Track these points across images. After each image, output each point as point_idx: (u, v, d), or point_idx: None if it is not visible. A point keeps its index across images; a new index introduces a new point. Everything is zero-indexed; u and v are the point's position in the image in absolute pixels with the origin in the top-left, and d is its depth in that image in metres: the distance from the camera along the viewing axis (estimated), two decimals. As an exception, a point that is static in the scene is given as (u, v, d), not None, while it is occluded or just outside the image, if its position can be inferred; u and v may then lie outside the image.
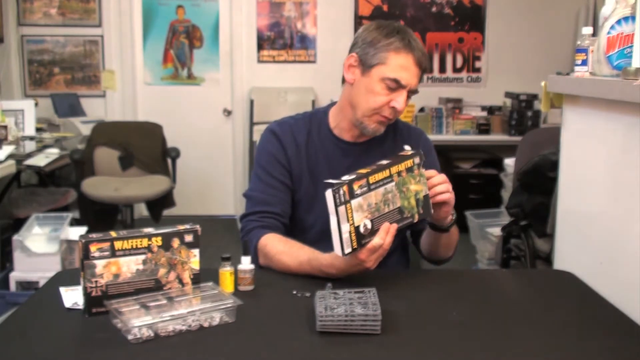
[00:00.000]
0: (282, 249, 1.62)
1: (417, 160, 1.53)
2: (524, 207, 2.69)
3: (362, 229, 1.42)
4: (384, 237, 1.44)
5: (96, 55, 5.24)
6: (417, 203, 1.52)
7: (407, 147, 1.63)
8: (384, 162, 1.49)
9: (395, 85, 1.61)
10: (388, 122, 1.68)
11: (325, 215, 1.56)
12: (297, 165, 1.74)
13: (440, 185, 1.55)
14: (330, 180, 1.40)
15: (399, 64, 1.61)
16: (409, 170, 1.51)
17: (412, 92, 1.65)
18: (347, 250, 1.41)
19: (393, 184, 1.47)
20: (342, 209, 1.38)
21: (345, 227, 1.39)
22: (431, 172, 1.56)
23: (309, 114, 1.81)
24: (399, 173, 1.49)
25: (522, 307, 1.47)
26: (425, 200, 1.54)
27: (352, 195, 1.40)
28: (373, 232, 1.44)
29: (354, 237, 1.41)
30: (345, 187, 1.39)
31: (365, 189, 1.42)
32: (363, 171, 1.45)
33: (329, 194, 1.38)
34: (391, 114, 1.65)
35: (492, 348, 1.25)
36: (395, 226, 1.46)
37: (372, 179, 1.43)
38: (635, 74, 1.45)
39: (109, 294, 1.36)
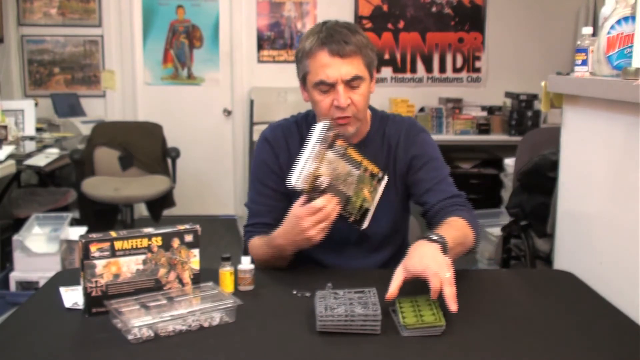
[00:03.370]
0: (257, 244, 1.65)
1: (380, 175, 1.60)
2: (524, 207, 2.69)
3: (318, 182, 1.47)
4: (325, 203, 1.46)
5: (96, 55, 5.24)
6: (359, 209, 1.56)
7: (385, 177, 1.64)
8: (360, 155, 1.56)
9: (326, 87, 1.60)
10: (351, 120, 1.63)
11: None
12: (289, 170, 1.74)
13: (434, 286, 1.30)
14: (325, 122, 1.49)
15: (317, 65, 1.60)
16: (372, 175, 1.58)
17: (353, 81, 1.59)
18: (299, 184, 1.45)
19: (357, 173, 1.54)
20: (320, 148, 1.46)
21: (312, 166, 1.46)
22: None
23: (302, 115, 1.80)
24: (365, 169, 1.56)
25: (522, 307, 1.47)
26: (366, 212, 1.58)
27: (332, 146, 1.47)
28: (323, 193, 1.48)
29: (310, 180, 1.46)
30: (332, 134, 1.46)
31: (341, 152, 1.49)
32: (346, 141, 1.52)
33: (319, 126, 1.46)
34: (342, 113, 1.61)
35: (492, 348, 1.25)
36: (339, 205, 1.49)
37: (348, 151, 1.51)
38: (635, 74, 1.45)
39: (109, 294, 1.36)
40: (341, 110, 1.60)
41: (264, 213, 1.72)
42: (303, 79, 1.66)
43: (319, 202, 1.46)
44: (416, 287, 1.38)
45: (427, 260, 1.35)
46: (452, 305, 1.29)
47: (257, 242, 1.66)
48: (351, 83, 1.59)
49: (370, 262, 1.75)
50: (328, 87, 1.59)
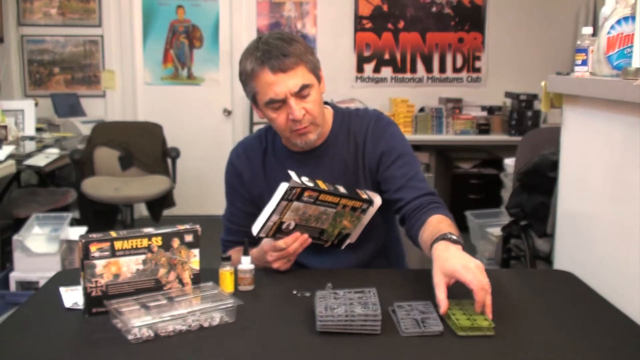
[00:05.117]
0: (233, 257, 1.64)
1: (365, 207, 1.64)
2: (524, 207, 2.69)
3: (284, 226, 1.56)
4: (289, 242, 1.55)
5: (96, 55, 5.24)
6: (337, 235, 1.66)
7: (369, 192, 1.65)
8: (343, 190, 1.59)
9: (277, 104, 1.58)
10: (310, 128, 1.63)
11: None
12: (255, 186, 1.76)
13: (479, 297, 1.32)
14: (292, 174, 1.51)
15: (263, 84, 1.57)
16: (353, 209, 1.62)
17: (302, 90, 1.57)
18: (262, 234, 1.55)
19: (334, 210, 1.59)
20: (283, 203, 1.51)
21: (275, 218, 1.53)
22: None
23: (264, 130, 1.79)
24: (344, 206, 1.60)
25: (522, 307, 1.47)
26: (345, 236, 1.68)
27: (299, 199, 1.51)
28: (290, 233, 1.56)
29: (274, 228, 1.55)
30: (298, 190, 1.50)
31: (311, 200, 1.54)
32: (322, 185, 1.55)
33: (283, 186, 1.49)
34: (299, 125, 1.60)
35: (492, 348, 1.25)
36: (308, 240, 1.58)
37: (322, 197, 1.55)
38: (635, 74, 1.45)
39: (109, 294, 1.36)
40: (298, 122, 1.60)
41: (236, 232, 1.78)
42: (253, 99, 1.64)
43: (280, 243, 1.55)
44: (447, 295, 1.38)
45: (468, 263, 1.33)
46: (490, 314, 1.31)
47: (233, 256, 1.66)
48: (301, 93, 1.58)
49: (351, 261, 1.75)
50: (279, 103, 1.58)
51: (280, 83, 1.56)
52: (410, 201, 1.63)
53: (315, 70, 1.62)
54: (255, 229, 1.54)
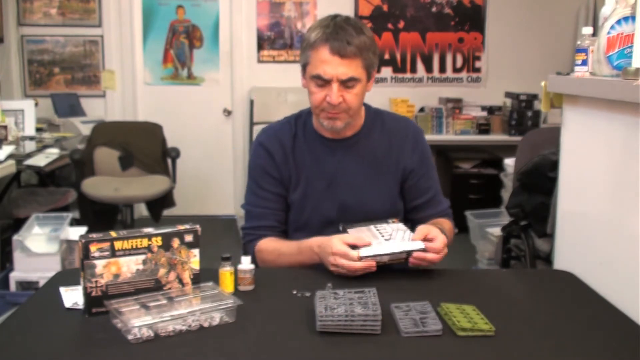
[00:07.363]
0: (271, 246, 1.69)
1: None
2: (524, 207, 2.68)
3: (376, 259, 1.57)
4: (359, 267, 1.53)
5: (96, 55, 5.24)
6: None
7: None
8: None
9: (321, 81, 1.63)
10: (341, 116, 1.67)
11: (318, 211, 1.67)
12: (286, 169, 1.77)
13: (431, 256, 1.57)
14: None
15: (318, 59, 1.62)
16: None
17: (349, 81, 1.62)
18: (362, 257, 1.54)
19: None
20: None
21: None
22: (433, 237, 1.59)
23: (295, 116, 1.83)
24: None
25: (522, 307, 1.47)
26: None
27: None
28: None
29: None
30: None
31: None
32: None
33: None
34: (331, 109, 1.64)
35: (492, 348, 1.25)
36: (373, 268, 1.56)
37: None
38: (635, 74, 1.45)
39: (109, 294, 1.36)
40: (332, 106, 1.64)
41: (267, 216, 1.76)
42: (303, 67, 1.70)
43: (356, 265, 1.53)
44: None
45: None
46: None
47: (271, 244, 1.70)
48: (346, 83, 1.63)
49: None
50: (323, 82, 1.63)
51: (333, 65, 1.61)
52: (429, 216, 1.80)
53: (369, 68, 1.67)
54: (363, 252, 1.54)
